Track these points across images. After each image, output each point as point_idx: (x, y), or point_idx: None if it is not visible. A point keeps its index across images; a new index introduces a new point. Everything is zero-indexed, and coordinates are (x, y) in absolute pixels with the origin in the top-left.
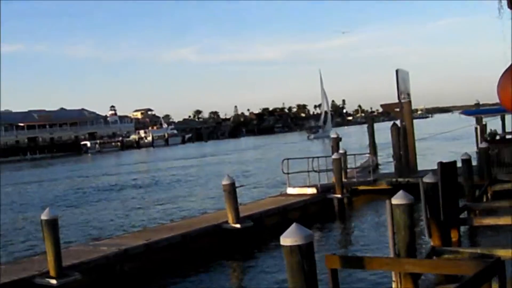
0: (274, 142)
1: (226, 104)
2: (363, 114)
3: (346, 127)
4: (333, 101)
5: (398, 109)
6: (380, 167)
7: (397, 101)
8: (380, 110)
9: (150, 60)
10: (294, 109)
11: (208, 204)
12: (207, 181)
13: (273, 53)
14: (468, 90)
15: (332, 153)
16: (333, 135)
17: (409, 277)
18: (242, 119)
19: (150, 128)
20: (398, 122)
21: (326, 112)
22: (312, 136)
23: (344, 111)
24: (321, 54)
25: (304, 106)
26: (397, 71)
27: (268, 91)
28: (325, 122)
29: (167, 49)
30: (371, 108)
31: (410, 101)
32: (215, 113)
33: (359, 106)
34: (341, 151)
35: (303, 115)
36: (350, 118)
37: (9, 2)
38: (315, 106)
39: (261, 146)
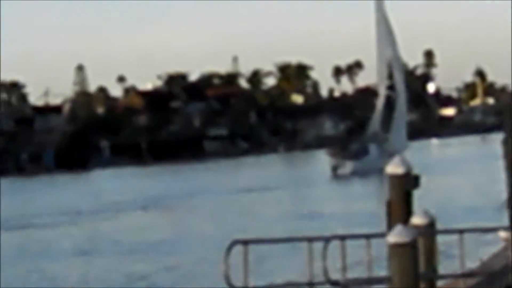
0: (219, 185)
1: (49, 60)
2: (491, 101)
3: (435, 139)
4: None
5: None
6: None
7: None
8: None
9: None
10: (271, 80)
11: None
12: None
13: None
14: None
15: (389, 226)
16: (391, 167)
17: None
18: (101, 110)
19: None
20: None
21: (389, 95)
22: (347, 167)
23: (432, 88)
24: None
25: (304, 69)
26: None
27: (193, 23)
28: (386, 124)
29: None
30: None
31: None
32: (15, 86)
33: (478, 73)
34: (418, 218)
35: (298, 99)
36: (450, 111)
37: None
38: (338, 72)
39: (171, 198)
